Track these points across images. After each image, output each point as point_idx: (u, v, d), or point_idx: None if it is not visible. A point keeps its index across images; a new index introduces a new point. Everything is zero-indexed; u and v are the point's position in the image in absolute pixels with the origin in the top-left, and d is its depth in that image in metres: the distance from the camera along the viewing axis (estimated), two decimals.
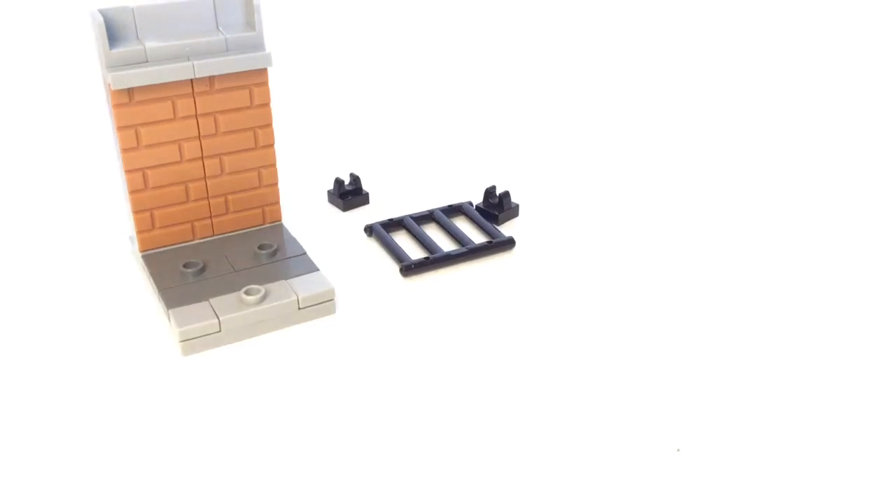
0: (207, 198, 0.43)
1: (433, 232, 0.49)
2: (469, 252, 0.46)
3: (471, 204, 0.51)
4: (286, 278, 0.42)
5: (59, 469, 0.34)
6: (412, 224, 0.49)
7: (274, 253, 0.43)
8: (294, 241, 0.45)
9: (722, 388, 0.37)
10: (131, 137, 0.40)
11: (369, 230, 0.48)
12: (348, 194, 0.51)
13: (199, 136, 0.42)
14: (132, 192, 0.42)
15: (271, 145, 0.43)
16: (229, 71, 0.40)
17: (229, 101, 0.41)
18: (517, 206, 0.50)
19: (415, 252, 0.47)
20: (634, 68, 0.71)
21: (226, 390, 0.38)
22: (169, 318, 0.40)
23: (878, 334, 0.41)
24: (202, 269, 0.42)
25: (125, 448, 0.35)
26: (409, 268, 0.45)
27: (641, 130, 0.61)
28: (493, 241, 0.47)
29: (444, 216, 0.49)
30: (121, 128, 0.40)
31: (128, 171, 0.41)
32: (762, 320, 0.42)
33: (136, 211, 0.42)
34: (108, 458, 0.34)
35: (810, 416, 0.36)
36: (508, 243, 0.47)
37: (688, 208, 0.51)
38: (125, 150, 0.41)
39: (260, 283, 0.41)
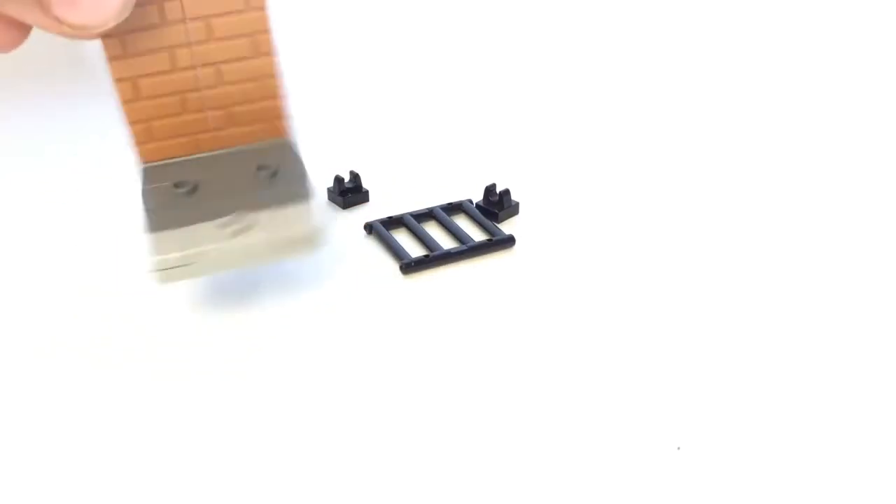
0: (206, 109, 0.41)
1: (433, 230, 0.49)
2: (469, 250, 0.46)
3: (471, 202, 0.51)
4: (277, 207, 0.40)
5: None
6: (412, 222, 0.49)
7: (274, 174, 0.41)
8: (299, 160, 0.42)
9: (722, 388, 0.37)
10: (115, 44, 0.39)
11: (369, 228, 0.48)
12: (348, 192, 0.51)
13: (190, 43, 0.40)
14: (124, 102, 0.40)
15: (271, 53, 0.41)
16: None
17: (221, 4, 0.39)
18: (517, 203, 0.50)
19: (415, 250, 0.47)
20: (635, 67, 0.71)
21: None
22: (148, 241, 0.39)
23: (878, 334, 0.41)
24: (194, 190, 0.40)
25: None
26: (409, 265, 0.45)
27: (642, 129, 0.61)
28: (493, 238, 0.47)
29: (444, 214, 0.49)
30: (105, 36, 0.38)
31: (117, 80, 0.40)
32: (763, 319, 0.42)
33: (132, 122, 0.41)
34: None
35: (810, 416, 0.36)
36: (508, 241, 0.47)
37: (689, 207, 0.51)
38: (112, 59, 0.39)
39: (249, 210, 0.39)
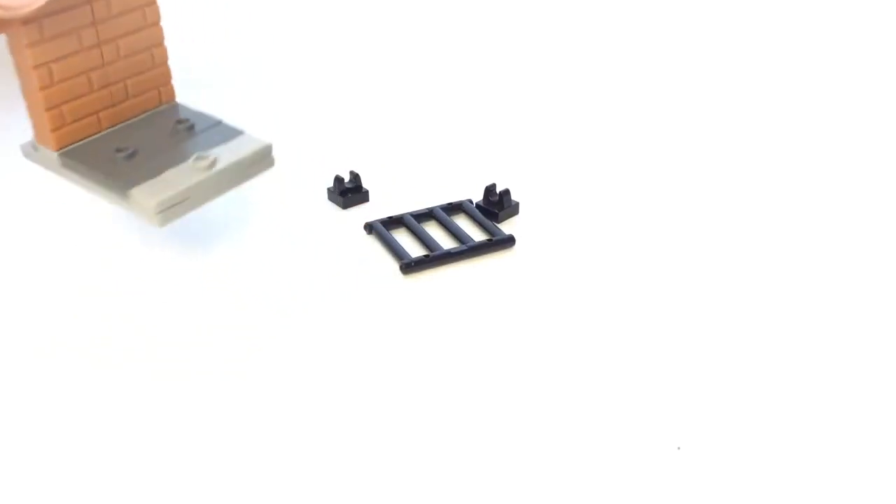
0: (109, 85, 0.44)
1: (433, 230, 0.49)
2: (469, 250, 0.46)
3: (471, 202, 0.51)
4: (224, 142, 0.44)
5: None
6: (412, 222, 0.49)
7: (191, 127, 0.44)
8: (202, 114, 0.46)
9: (722, 388, 0.37)
10: (33, 31, 0.41)
11: (369, 228, 0.48)
12: (348, 192, 0.51)
13: (94, 23, 0.42)
14: (42, 88, 0.42)
15: (157, 23, 0.44)
16: None
17: None
18: (517, 203, 0.50)
19: (415, 250, 0.47)
20: (635, 66, 0.71)
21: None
22: (128, 199, 0.41)
23: (878, 334, 0.41)
24: (134, 153, 0.43)
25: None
26: (409, 265, 0.45)
27: (642, 128, 0.61)
28: (493, 238, 0.47)
29: (444, 214, 0.49)
30: (25, 23, 0.40)
31: (36, 67, 0.41)
32: (763, 319, 0.42)
33: (48, 108, 0.42)
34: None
35: (810, 416, 0.36)
36: (508, 241, 0.47)
37: (689, 206, 0.51)
38: (31, 45, 0.41)
39: (204, 150, 0.43)
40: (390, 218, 0.49)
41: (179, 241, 0.48)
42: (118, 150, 0.42)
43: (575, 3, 0.82)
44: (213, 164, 0.42)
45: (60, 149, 0.43)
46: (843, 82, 0.68)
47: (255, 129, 0.60)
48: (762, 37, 0.76)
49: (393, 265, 0.46)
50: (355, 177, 0.52)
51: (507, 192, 0.50)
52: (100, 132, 0.44)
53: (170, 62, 0.46)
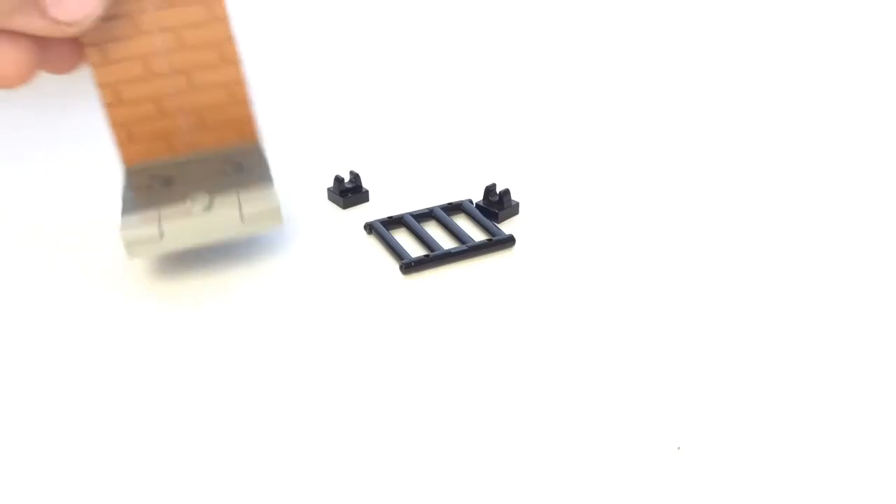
0: (179, 115, 0.44)
1: (433, 230, 0.49)
2: (469, 250, 0.46)
3: (471, 202, 0.51)
4: (239, 189, 0.43)
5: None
6: (412, 222, 0.49)
7: (238, 166, 0.44)
8: (262, 156, 0.45)
9: (722, 388, 0.37)
10: (96, 53, 0.42)
11: (369, 228, 0.48)
12: (348, 192, 0.51)
13: (163, 52, 0.42)
14: (107, 105, 0.43)
15: (236, 62, 0.43)
16: None
17: (186, 17, 0.42)
18: (517, 203, 0.50)
19: (415, 250, 0.47)
20: (635, 66, 0.71)
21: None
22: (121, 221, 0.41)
23: (878, 334, 0.41)
24: (168, 182, 0.43)
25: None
26: (409, 265, 0.45)
27: (642, 128, 0.61)
28: (493, 238, 0.47)
29: (444, 214, 0.49)
30: (89, 44, 0.41)
31: (100, 85, 0.43)
32: (763, 319, 0.42)
33: (114, 125, 0.44)
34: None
35: (810, 416, 0.36)
36: (508, 241, 0.47)
37: (689, 206, 0.51)
38: (94, 66, 0.42)
39: (213, 192, 0.42)
40: (390, 218, 0.49)
41: None
42: (153, 177, 0.43)
43: (575, 3, 0.82)
44: (208, 208, 0.42)
45: (129, 165, 0.45)
46: (843, 82, 0.68)
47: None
48: (762, 37, 0.76)
49: (393, 265, 0.46)
50: (355, 177, 0.52)
51: (507, 192, 0.50)
52: (168, 156, 0.45)
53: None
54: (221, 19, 0.42)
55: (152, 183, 0.43)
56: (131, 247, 0.41)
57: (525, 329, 0.41)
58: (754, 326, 0.41)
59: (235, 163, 0.44)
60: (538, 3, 0.82)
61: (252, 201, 0.42)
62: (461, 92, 0.66)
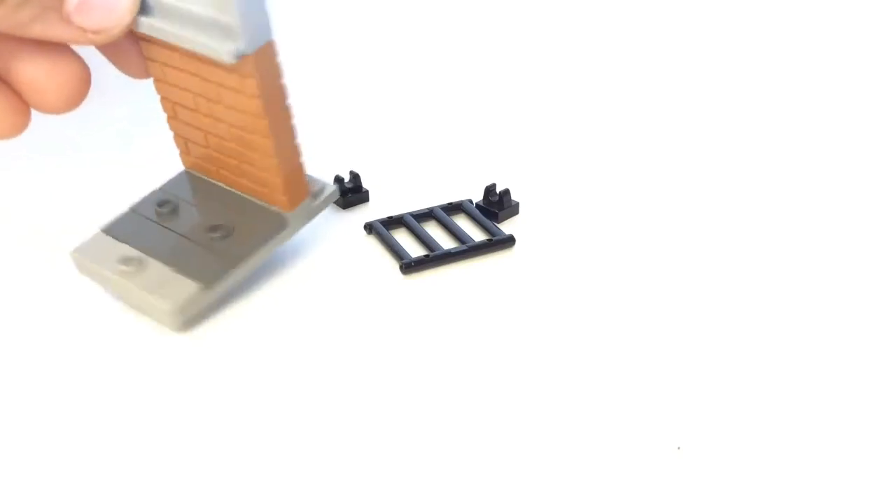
0: (222, 154, 0.44)
1: (433, 230, 0.49)
2: (469, 250, 0.46)
3: (471, 202, 0.51)
4: (176, 268, 0.41)
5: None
6: (412, 222, 0.49)
7: (226, 236, 0.43)
8: (263, 239, 0.43)
9: (722, 388, 0.37)
10: (157, 69, 0.42)
11: (369, 228, 0.48)
12: (348, 192, 0.51)
13: (203, 94, 0.42)
14: (168, 117, 0.44)
15: (268, 136, 0.41)
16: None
17: (224, 77, 0.40)
18: (517, 203, 0.50)
19: (415, 250, 0.47)
20: (635, 66, 0.71)
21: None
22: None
23: (879, 334, 0.41)
24: (171, 212, 0.44)
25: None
26: (409, 265, 0.45)
27: (642, 128, 0.61)
28: (493, 238, 0.47)
29: (444, 214, 0.49)
30: (148, 58, 0.42)
31: (161, 98, 0.44)
32: (763, 319, 0.42)
33: (174, 133, 0.45)
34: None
35: (810, 416, 0.36)
36: (508, 241, 0.47)
37: (689, 206, 0.51)
38: (155, 80, 0.43)
39: (166, 255, 0.42)
40: (390, 218, 0.49)
41: None
42: (161, 205, 0.44)
43: (575, 3, 0.82)
44: (134, 272, 0.41)
45: (188, 169, 0.46)
46: (844, 82, 0.68)
47: None
48: (762, 37, 0.76)
49: (393, 265, 0.46)
50: (355, 177, 0.52)
51: (507, 192, 0.50)
52: (216, 181, 0.45)
53: None
54: (253, 97, 0.40)
55: (158, 210, 0.44)
56: (77, 264, 0.43)
57: (525, 329, 0.41)
58: (754, 327, 0.41)
59: (223, 224, 0.43)
60: (538, 4, 0.82)
61: (167, 287, 0.40)
62: (461, 92, 0.66)
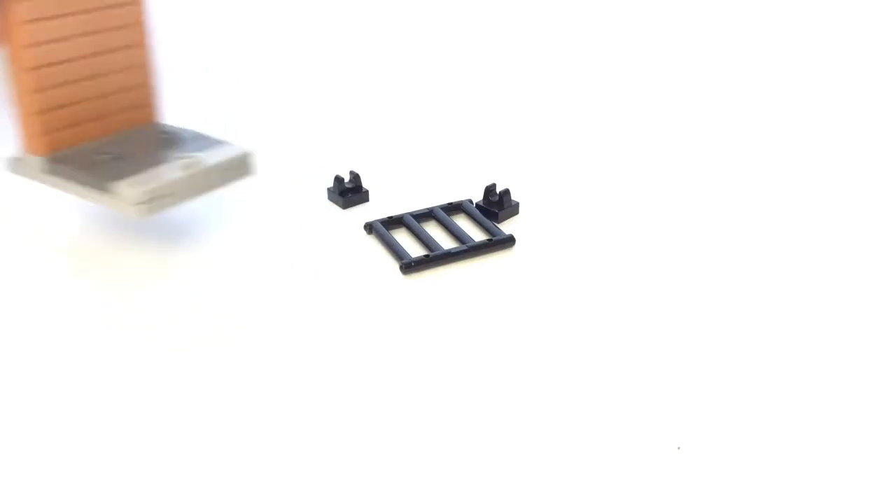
0: (98, 97, 0.45)
1: (433, 230, 0.49)
2: (469, 250, 0.46)
3: (471, 202, 0.51)
4: (208, 149, 0.46)
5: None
6: (412, 222, 0.49)
7: (176, 137, 0.47)
8: (186, 129, 0.48)
9: (722, 388, 0.37)
10: (29, 31, 0.42)
11: (369, 228, 0.48)
12: (348, 192, 0.51)
13: (80, 34, 0.43)
14: (36, 91, 0.43)
15: (141, 45, 0.45)
16: None
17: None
18: (517, 203, 0.50)
19: (415, 250, 0.47)
20: (634, 66, 0.71)
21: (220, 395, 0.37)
22: (111, 192, 0.42)
23: (879, 334, 0.41)
24: (119, 157, 0.45)
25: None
26: (409, 265, 0.45)
27: (642, 128, 0.61)
28: (493, 238, 0.47)
29: (444, 214, 0.49)
30: (19, 23, 0.42)
31: (32, 69, 0.43)
32: (763, 319, 0.42)
33: (41, 112, 0.44)
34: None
35: (810, 416, 0.36)
36: (508, 241, 0.47)
37: (689, 206, 0.51)
38: (26, 46, 0.42)
39: (187, 154, 0.45)
40: (390, 218, 0.49)
41: (178, 241, 0.48)
42: (105, 154, 0.44)
43: (575, 3, 0.82)
44: (196, 164, 0.44)
45: (49, 153, 0.45)
46: (843, 82, 0.68)
47: (255, 130, 0.60)
48: (762, 37, 0.76)
49: (393, 265, 0.46)
50: (355, 177, 0.52)
51: (507, 192, 0.50)
52: (87, 141, 0.46)
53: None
54: (134, 3, 0.44)
55: (101, 158, 0.44)
56: (145, 205, 0.42)
57: (525, 329, 0.41)
58: (754, 327, 0.41)
59: (163, 132, 0.47)
60: (538, 4, 0.82)
61: (225, 154, 0.45)
62: (461, 92, 0.66)
